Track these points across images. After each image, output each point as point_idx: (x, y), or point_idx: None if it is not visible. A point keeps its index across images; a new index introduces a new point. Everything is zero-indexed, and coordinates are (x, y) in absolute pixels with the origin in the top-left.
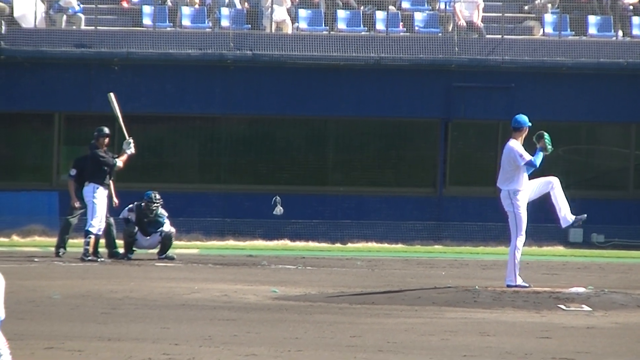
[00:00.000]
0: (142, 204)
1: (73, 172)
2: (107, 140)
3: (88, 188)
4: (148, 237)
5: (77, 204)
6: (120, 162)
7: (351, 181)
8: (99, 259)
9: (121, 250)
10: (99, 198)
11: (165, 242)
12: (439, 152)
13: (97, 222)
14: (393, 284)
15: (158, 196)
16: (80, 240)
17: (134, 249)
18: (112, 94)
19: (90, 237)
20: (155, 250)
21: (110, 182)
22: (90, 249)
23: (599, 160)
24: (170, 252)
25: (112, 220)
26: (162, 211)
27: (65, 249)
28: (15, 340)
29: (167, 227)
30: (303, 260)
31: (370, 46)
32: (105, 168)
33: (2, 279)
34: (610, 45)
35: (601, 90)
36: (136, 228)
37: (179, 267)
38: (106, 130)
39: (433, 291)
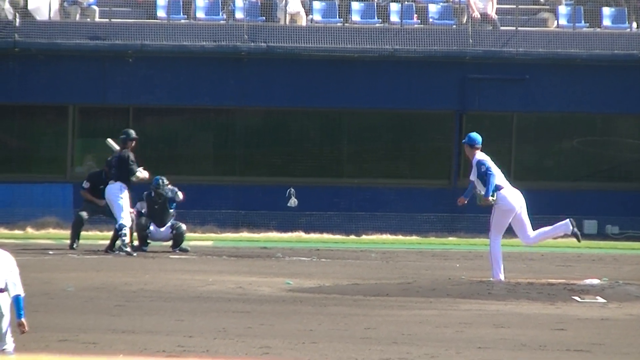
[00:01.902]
0: (152, 192)
1: (86, 184)
2: (134, 143)
3: (114, 186)
4: (162, 229)
5: (102, 203)
6: (139, 174)
7: (365, 173)
8: (134, 254)
9: (135, 243)
10: (125, 197)
11: (177, 239)
12: (454, 144)
13: (127, 216)
14: (407, 275)
15: (166, 181)
16: (95, 233)
17: (148, 241)
18: (109, 140)
19: (124, 229)
20: (169, 243)
21: None
22: (127, 239)
23: (613, 151)
24: (185, 244)
25: (133, 215)
26: (172, 189)
27: (78, 241)
28: (29, 332)
29: (180, 196)
30: (317, 252)
31: (384, 38)
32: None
33: (11, 256)
34: (624, 37)
35: (615, 82)
36: (150, 222)
37: (193, 260)
38: (133, 134)
39: (447, 283)
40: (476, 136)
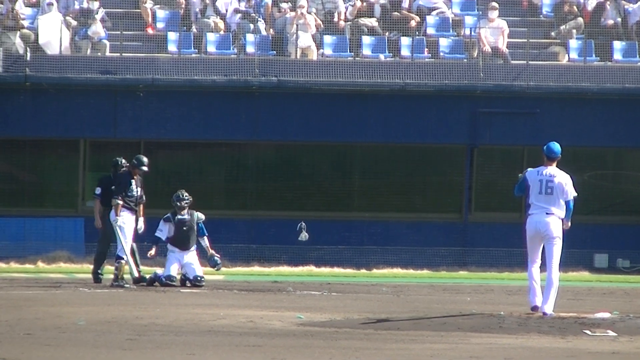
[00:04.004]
0: (175, 212)
1: (98, 190)
2: (141, 172)
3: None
4: (186, 254)
5: (99, 226)
6: (117, 202)
7: (376, 207)
8: (125, 285)
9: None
10: (127, 222)
11: (195, 285)
12: (465, 178)
13: (128, 246)
14: (418, 309)
15: (186, 194)
16: (107, 267)
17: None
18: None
19: (120, 262)
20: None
21: (140, 206)
22: (120, 273)
23: (624, 185)
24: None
25: (134, 244)
26: (199, 216)
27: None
28: None
29: (205, 241)
30: (328, 286)
31: (395, 72)
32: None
33: None
34: (635, 70)
35: (627, 116)
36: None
37: (205, 293)
38: (145, 167)
39: (458, 317)
40: (548, 145)
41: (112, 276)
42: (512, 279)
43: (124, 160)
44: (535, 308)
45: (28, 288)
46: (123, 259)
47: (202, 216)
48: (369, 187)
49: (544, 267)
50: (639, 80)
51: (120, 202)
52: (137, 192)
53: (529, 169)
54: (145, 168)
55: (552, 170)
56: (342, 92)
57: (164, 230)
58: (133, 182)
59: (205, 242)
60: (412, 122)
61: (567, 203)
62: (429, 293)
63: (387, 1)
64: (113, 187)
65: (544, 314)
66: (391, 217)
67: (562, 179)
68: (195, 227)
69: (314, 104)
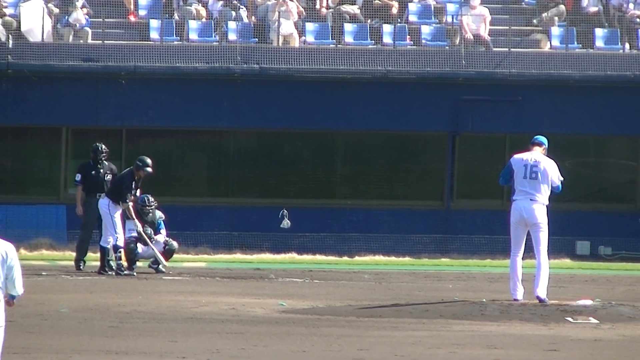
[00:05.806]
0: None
1: (78, 177)
2: (145, 174)
3: (103, 201)
4: (147, 248)
5: (80, 213)
6: (128, 205)
7: (359, 194)
8: (134, 273)
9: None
10: (116, 212)
11: (167, 255)
12: (447, 166)
13: (121, 235)
14: (400, 297)
15: (152, 199)
16: (88, 254)
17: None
18: None
19: (120, 252)
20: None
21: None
22: (124, 262)
23: (606, 173)
24: (177, 264)
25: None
26: (160, 214)
27: (84, 263)
28: (22, 354)
29: (163, 236)
30: (310, 273)
31: (377, 59)
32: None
33: (12, 248)
34: (617, 58)
35: (608, 103)
36: (137, 244)
37: (187, 281)
38: (149, 169)
39: (440, 304)
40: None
41: (95, 264)
42: (494, 266)
43: (104, 146)
44: (515, 301)
45: None
46: (122, 247)
47: (162, 215)
48: (351, 174)
49: (527, 254)
50: (621, 68)
51: (131, 204)
52: (136, 193)
53: (510, 163)
54: (149, 169)
55: (537, 155)
56: (324, 79)
57: (133, 229)
58: (133, 183)
59: (159, 239)
60: (394, 109)
61: (556, 188)
62: (410, 280)
63: None
64: (93, 172)
65: (538, 298)
66: (373, 205)
67: (547, 164)
68: (155, 225)
69: (296, 92)
